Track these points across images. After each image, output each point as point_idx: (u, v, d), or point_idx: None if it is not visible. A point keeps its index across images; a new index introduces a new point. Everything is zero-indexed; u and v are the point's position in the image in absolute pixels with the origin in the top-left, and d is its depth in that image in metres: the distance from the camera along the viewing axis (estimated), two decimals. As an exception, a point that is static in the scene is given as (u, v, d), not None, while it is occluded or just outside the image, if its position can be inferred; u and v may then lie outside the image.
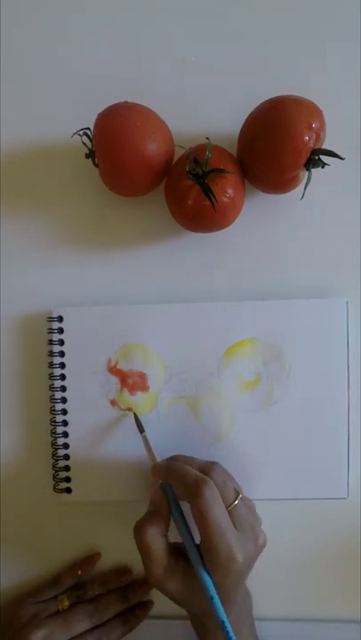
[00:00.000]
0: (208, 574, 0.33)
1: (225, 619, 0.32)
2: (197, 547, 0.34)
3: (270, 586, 0.42)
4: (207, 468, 0.35)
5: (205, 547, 0.32)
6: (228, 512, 0.33)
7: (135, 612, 0.42)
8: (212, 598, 0.32)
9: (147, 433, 0.39)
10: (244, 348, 0.40)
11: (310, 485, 0.40)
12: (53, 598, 0.41)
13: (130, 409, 0.41)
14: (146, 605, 0.42)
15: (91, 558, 0.43)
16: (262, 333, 0.40)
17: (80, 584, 0.42)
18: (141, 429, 0.39)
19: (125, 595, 0.42)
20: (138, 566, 0.43)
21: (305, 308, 0.40)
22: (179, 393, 0.41)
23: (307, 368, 0.40)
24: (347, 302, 0.40)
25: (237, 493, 0.35)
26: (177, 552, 0.35)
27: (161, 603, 0.43)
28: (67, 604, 0.40)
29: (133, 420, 0.40)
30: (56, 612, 0.40)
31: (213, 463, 0.37)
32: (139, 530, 0.34)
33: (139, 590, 0.42)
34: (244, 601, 0.38)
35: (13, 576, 0.44)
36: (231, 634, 0.32)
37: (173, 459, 0.38)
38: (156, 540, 0.34)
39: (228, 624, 0.32)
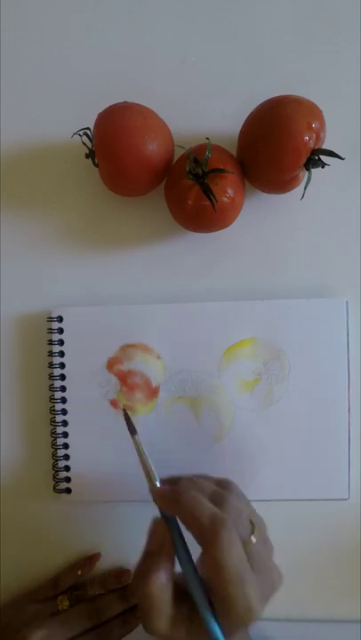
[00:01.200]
0: (221, 631, 0.28)
1: None
2: (205, 594, 0.29)
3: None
4: (220, 498, 0.31)
5: (219, 597, 0.28)
6: (246, 552, 0.29)
7: (135, 612, 0.41)
8: None
9: (139, 436, 0.34)
10: (244, 348, 0.40)
11: (311, 486, 0.40)
12: (53, 598, 0.41)
13: (125, 408, 0.41)
14: None
15: (90, 558, 0.42)
16: (262, 333, 0.40)
17: (80, 584, 0.42)
18: (133, 431, 0.34)
19: (125, 595, 0.41)
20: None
21: (305, 307, 0.40)
22: (179, 393, 0.41)
23: (307, 368, 0.40)
24: (347, 302, 0.40)
25: (252, 525, 0.30)
26: (179, 593, 0.30)
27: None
28: (67, 604, 0.40)
29: (134, 420, 0.40)
30: (56, 612, 0.40)
31: (225, 487, 0.32)
32: (143, 578, 0.29)
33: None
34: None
35: (13, 576, 0.44)
36: None
37: (181, 483, 0.32)
38: (164, 589, 0.29)
39: None
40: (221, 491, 0.32)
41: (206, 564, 0.28)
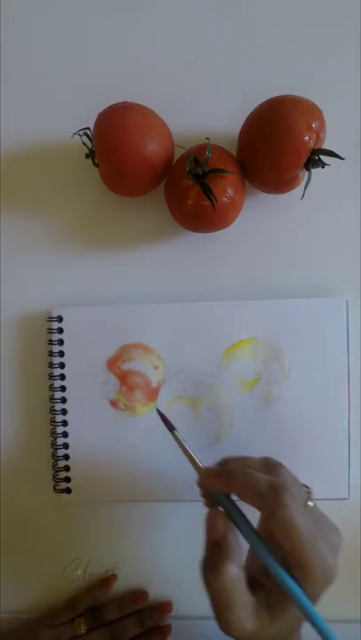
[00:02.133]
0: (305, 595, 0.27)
1: None
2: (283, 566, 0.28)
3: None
4: (272, 466, 0.30)
5: (297, 561, 0.26)
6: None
7: (153, 637, 0.41)
8: (321, 631, 0.26)
9: (177, 431, 0.34)
10: (244, 348, 0.40)
11: (311, 485, 0.40)
12: (70, 622, 0.40)
13: (126, 407, 0.41)
14: (164, 630, 0.41)
15: (107, 580, 0.42)
16: (262, 333, 0.40)
17: (97, 606, 0.41)
18: (171, 427, 0.34)
19: (142, 619, 0.41)
20: (138, 567, 0.43)
21: (305, 307, 0.40)
22: (178, 392, 0.41)
23: (307, 368, 0.40)
24: (347, 302, 0.40)
25: (308, 489, 0.30)
26: (250, 583, 0.28)
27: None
28: (84, 628, 0.40)
29: (134, 420, 0.40)
30: (73, 637, 0.39)
31: (269, 459, 0.31)
32: (211, 572, 0.27)
33: (155, 616, 0.41)
34: None
35: (13, 576, 0.44)
36: None
37: (225, 462, 0.32)
38: (237, 581, 0.27)
39: None
40: (271, 462, 0.31)
41: (276, 530, 0.27)
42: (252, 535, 0.29)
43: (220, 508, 0.31)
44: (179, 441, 0.34)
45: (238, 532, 0.29)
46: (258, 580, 0.29)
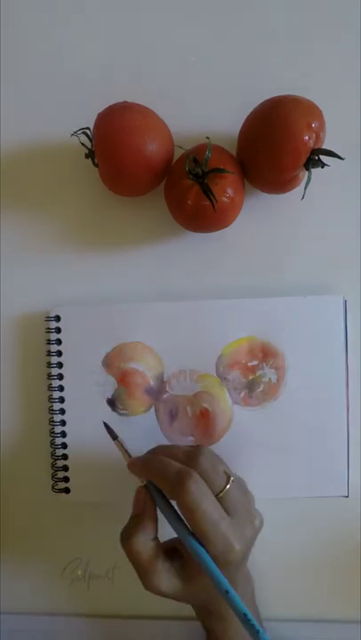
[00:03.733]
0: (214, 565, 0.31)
1: (247, 611, 0.30)
2: (196, 538, 0.32)
3: (270, 586, 0.42)
4: (193, 455, 0.33)
5: (201, 539, 0.31)
6: (221, 498, 0.32)
7: None
8: (227, 592, 0.30)
9: (120, 438, 0.37)
10: (243, 346, 0.40)
11: (310, 484, 0.40)
12: None
13: (124, 407, 0.41)
14: None
15: None
16: (260, 331, 0.40)
17: None
18: (114, 436, 0.37)
19: None
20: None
21: (303, 305, 0.40)
22: (177, 391, 0.41)
23: (305, 366, 0.40)
24: (345, 300, 0.40)
25: (228, 476, 0.33)
26: (169, 550, 0.34)
27: (161, 603, 0.43)
28: None
29: (132, 420, 0.40)
30: None
31: (198, 447, 0.34)
32: (125, 538, 0.33)
33: None
34: (246, 585, 0.37)
35: (13, 576, 0.44)
36: (258, 626, 0.30)
37: (153, 451, 0.36)
38: (146, 546, 0.32)
39: (251, 616, 0.30)
40: (192, 451, 0.34)
41: (181, 511, 0.31)
42: (168, 511, 0.33)
43: (146, 488, 0.34)
44: (121, 448, 0.37)
45: (160, 507, 0.34)
46: (178, 550, 0.34)
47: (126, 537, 0.33)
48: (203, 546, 0.31)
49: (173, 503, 0.33)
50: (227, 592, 0.30)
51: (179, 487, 0.31)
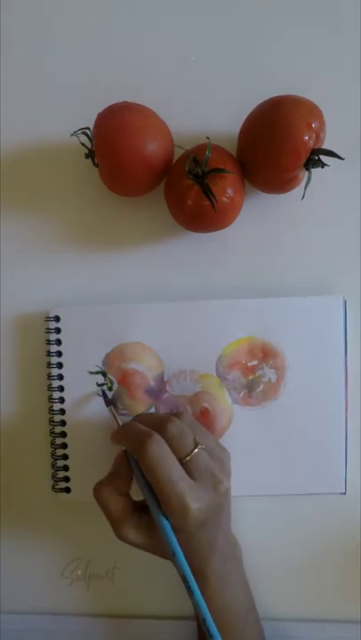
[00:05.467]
0: (169, 523, 0.33)
1: (187, 573, 0.32)
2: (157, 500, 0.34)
3: (269, 585, 0.42)
4: (162, 422, 0.34)
5: (159, 499, 0.32)
6: (185, 462, 0.33)
7: None
8: (173, 554, 0.32)
9: (112, 407, 0.39)
10: (243, 346, 0.40)
11: (308, 482, 0.40)
12: None
13: (125, 407, 0.41)
14: None
15: None
16: (260, 331, 0.40)
17: None
18: (107, 403, 0.39)
19: None
20: (138, 564, 0.43)
21: (303, 305, 0.40)
22: (177, 391, 0.41)
23: (304, 366, 0.40)
24: (345, 300, 0.40)
25: (196, 443, 0.34)
26: (141, 508, 0.36)
27: (161, 603, 0.43)
28: None
29: (130, 417, 0.40)
30: None
31: (176, 414, 0.36)
32: (96, 490, 0.35)
33: None
34: (231, 551, 0.38)
35: (13, 576, 0.44)
36: (194, 586, 0.32)
37: (133, 418, 0.37)
38: (113, 497, 0.35)
39: (190, 577, 0.32)
40: (164, 418, 0.35)
41: (145, 474, 0.33)
42: (138, 473, 0.35)
43: (125, 452, 0.36)
44: (113, 415, 0.39)
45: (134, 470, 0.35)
46: (146, 507, 0.35)
47: (97, 489, 0.35)
48: (161, 503, 0.32)
49: None
50: (173, 554, 0.32)
51: (139, 447, 0.32)
